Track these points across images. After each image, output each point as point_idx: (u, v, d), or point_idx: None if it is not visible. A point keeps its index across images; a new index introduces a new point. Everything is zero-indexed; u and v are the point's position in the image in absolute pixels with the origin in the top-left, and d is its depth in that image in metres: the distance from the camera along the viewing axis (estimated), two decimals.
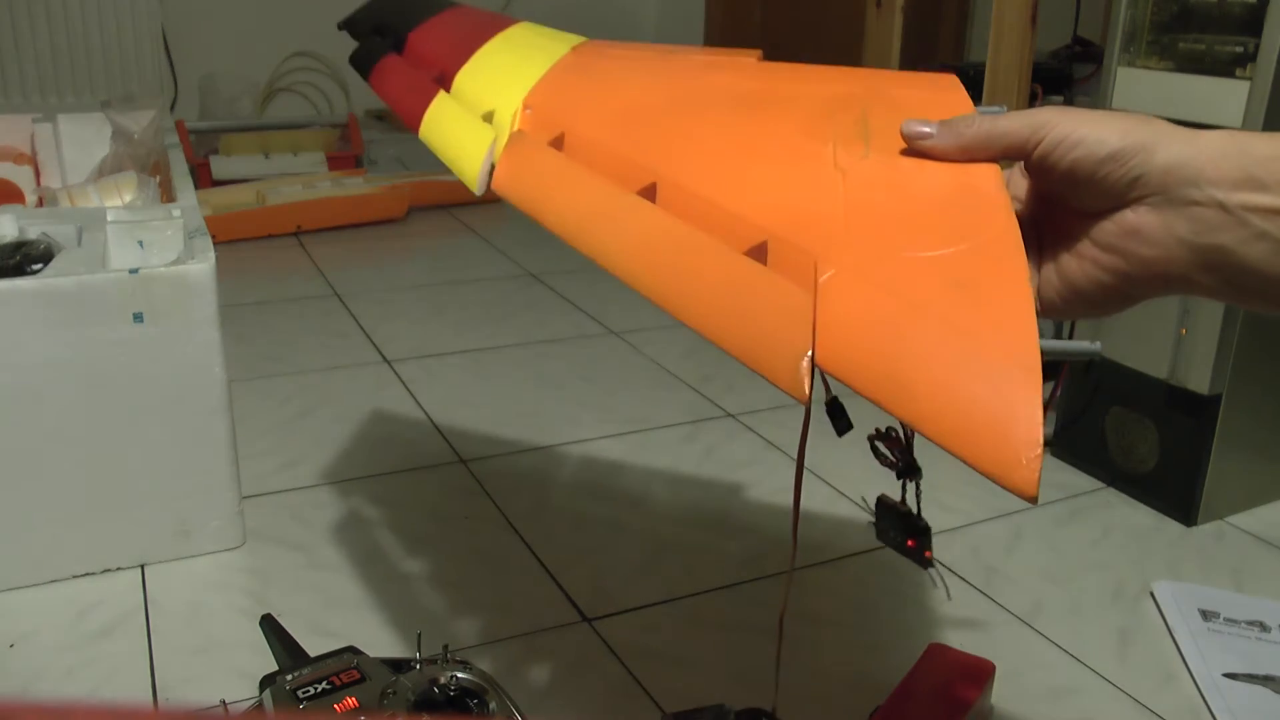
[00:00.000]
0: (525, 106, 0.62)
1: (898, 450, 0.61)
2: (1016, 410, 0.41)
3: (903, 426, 0.60)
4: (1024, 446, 0.39)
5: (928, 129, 0.53)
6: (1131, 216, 0.48)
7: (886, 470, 1.21)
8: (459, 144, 0.60)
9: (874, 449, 0.63)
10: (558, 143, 0.60)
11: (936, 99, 0.60)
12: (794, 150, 0.59)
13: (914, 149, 0.54)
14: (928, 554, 0.62)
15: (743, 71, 0.66)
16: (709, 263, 0.51)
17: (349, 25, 0.76)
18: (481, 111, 0.63)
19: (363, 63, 0.71)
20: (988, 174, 0.53)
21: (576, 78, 0.66)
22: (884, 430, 0.62)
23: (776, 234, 0.51)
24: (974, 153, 0.52)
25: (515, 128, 0.61)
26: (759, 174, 0.56)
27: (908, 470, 0.60)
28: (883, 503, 0.63)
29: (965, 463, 0.39)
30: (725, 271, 0.50)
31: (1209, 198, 0.45)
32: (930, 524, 0.62)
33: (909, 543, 0.62)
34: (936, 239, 0.49)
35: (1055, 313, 0.53)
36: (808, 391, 0.42)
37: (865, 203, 0.53)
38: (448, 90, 0.65)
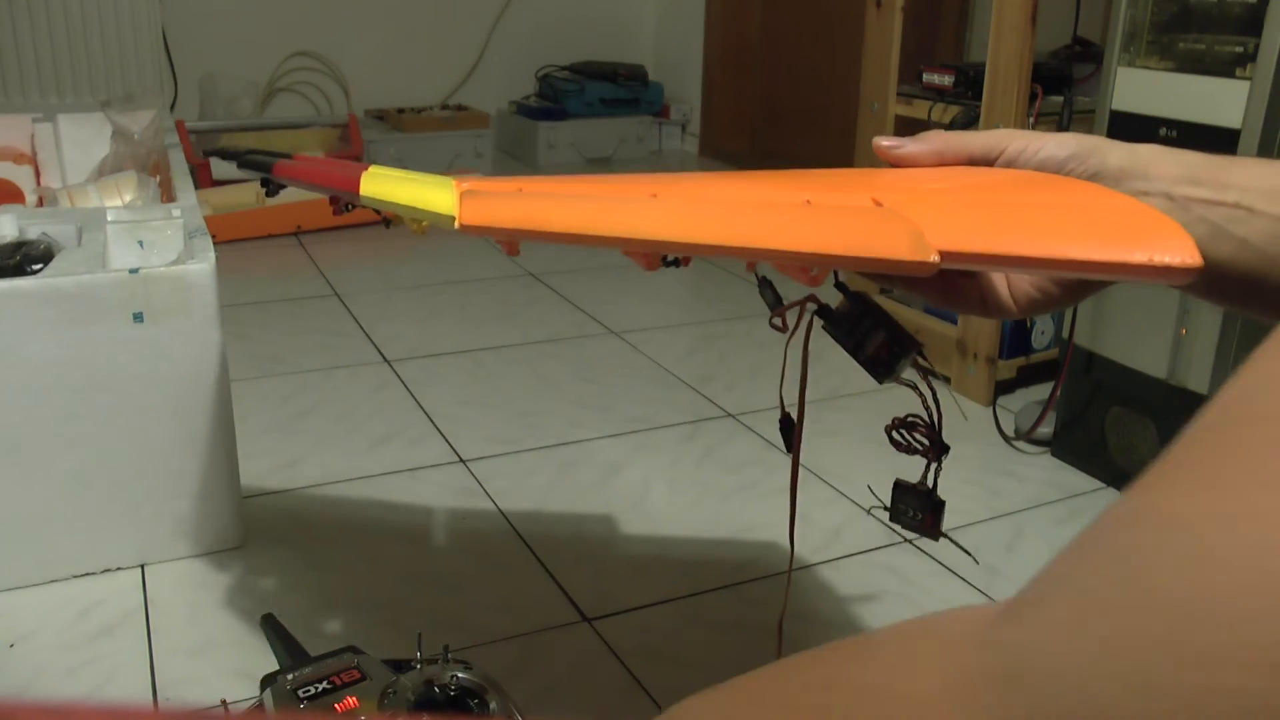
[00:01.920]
0: (458, 187, 0.51)
1: (922, 432, 0.62)
2: (1139, 218, 0.43)
3: (927, 408, 0.61)
4: (1168, 235, 0.41)
5: (898, 140, 0.58)
6: None
7: (886, 465, 1.21)
8: (416, 189, 0.51)
9: (894, 439, 0.63)
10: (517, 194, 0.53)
11: (850, 171, 0.63)
12: (768, 181, 0.58)
13: (888, 158, 0.59)
14: (939, 528, 0.64)
15: (661, 175, 0.65)
16: (778, 208, 0.49)
17: (220, 154, 0.74)
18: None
19: (260, 164, 0.65)
20: (968, 167, 0.55)
21: (494, 178, 0.60)
22: (904, 417, 0.62)
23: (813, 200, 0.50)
24: (944, 156, 0.57)
25: (460, 191, 0.51)
26: (750, 191, 0.56)
27: (940, 449, 0.62)
28: (900, 485, 0.65)
29: (1126, 267, 0.40)
30: (798, 209, 0.48)
31: (1158, 189, 0.50)
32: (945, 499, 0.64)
33: (927, 519, 0.64)
34: (960, 182, 0.50)
35: (1028, 309, 0.57)
36: (938, 256, 0.42)
37: (874, 184, 0.54)
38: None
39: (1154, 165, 0.51)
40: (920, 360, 0.57)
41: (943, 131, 0.57)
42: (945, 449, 0.62)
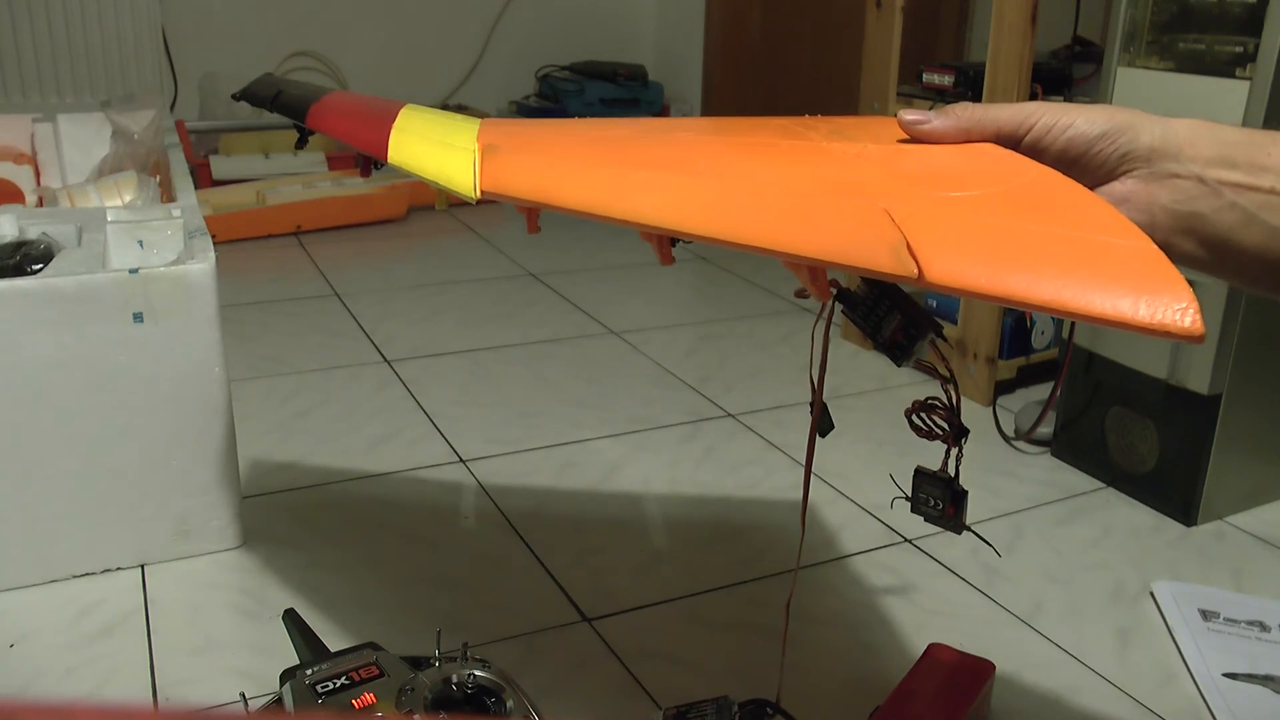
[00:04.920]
0: (481, 141, 0.56)
1: (942, 415, 0.61)
2: (1147, 268, 0.41)
3: (947, 391, 0.60)
4: (1174, 297, 0.39)
5: (924, 115, 0.56)
6: (1119, 187, 0.52)
7: (886, 464, 1.21)
8: (439, 159, 0.54)
9: (913, 423, 0.63)
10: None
11: (881, 125, 0.62)
12: (783, 148, 0.59)
13: (912, 134, 0.57)
14: (963, 520, 0.64)
15: (690, 121, 0.66)
16: (784, 200, 0.49)
17: (246, 97, 0.73)
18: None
19: (293, 109, 0.65)
20: (993, 146, 0.55)
21: (518, 125, 0.62)
22: (924, 400, 0.62)
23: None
24: (970, 133, 0.55)
25: (482, 147, 0.55)
26: (765, 163, 0.56)
27: (959, 433, 0.61)
28: (921, 472, 0.64)
29: (1127, 327, 0.39)
30: (804, 205, 0.49)
31: (1189, 172, 0.50)
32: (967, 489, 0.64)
33: (949, 510, 0.63)
34: (980, 183, 0.50)
35: None
36: (916, 270, 0.42)
37: (889, 172, 0.53)
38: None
39: (1188, 145, 0.50)
40: (938, 342, 0.57)
41: (970, 105, 0.55)
42: (965, 432, 0.61)
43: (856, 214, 0.46)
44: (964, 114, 0.55)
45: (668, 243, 0.60)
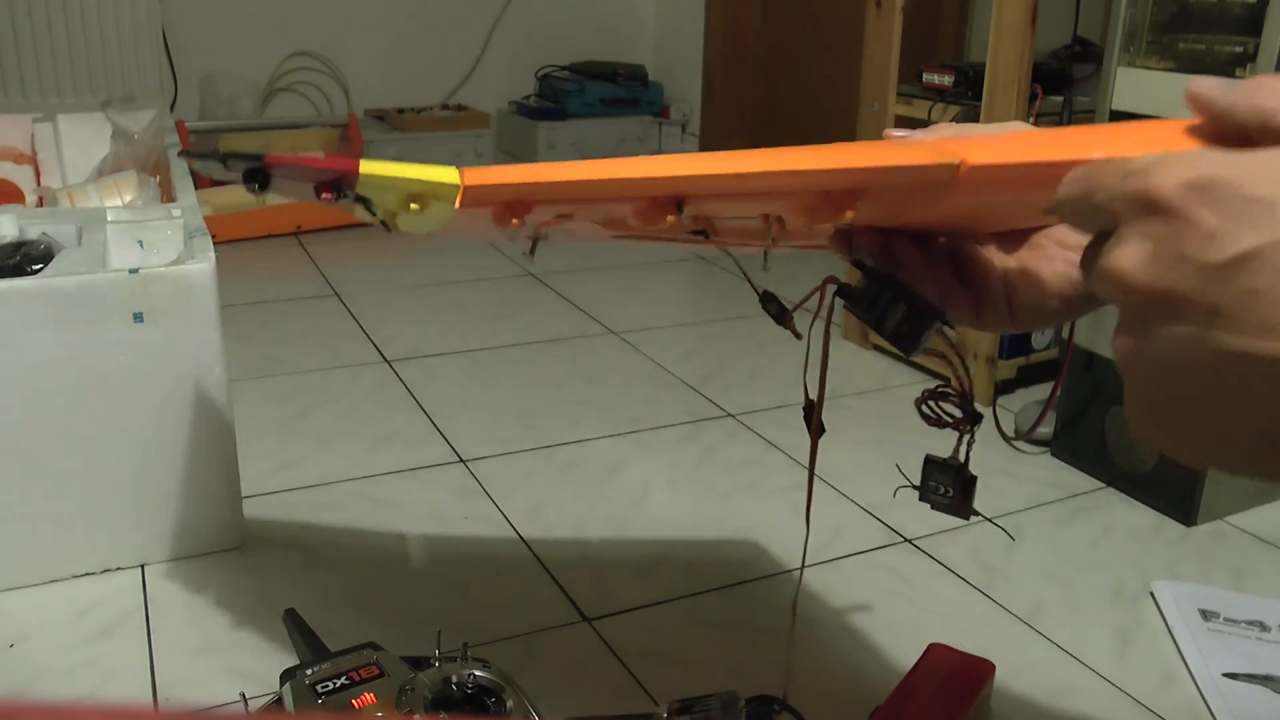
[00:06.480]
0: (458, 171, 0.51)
1: (953, 402, 0.61)
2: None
3: (958, 378, 0.60)
4: None
5: (908, 132, 0.57)
6: None
7: (886, 465, 1.21)
8: (415, 170, 0.50)
9: (923, 412, 0.62)
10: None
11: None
12: (784, 153, 0.58)
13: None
14: (970, 505, 0.63)
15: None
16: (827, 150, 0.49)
17: (195, 155, 0.69)
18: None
19: (249, 156, 0.63)
20: None
21: (496, 167, 0.61)
22: (934, 388, 0.61)
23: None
24: None
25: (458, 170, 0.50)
26: (774, 153, 0.56)
27: (972, 418, 0.60)
28: (930, 460, 0.64)
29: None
30: (844, 148, 0.49)
31: None
32: (975, 475, 0.63)
33: (958, 498, 0.63)
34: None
35: (1038, 320, 0.56)
36: (959, 159, 0.44)
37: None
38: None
39: None
40: (945, 329, 0.56)
41: (953, 124, 0.56)
42: (978, 418, 0.61)
43: (888, 145, 0.48)
44: (945, 133, 0.56)
45: (672, 208, 0.56)
